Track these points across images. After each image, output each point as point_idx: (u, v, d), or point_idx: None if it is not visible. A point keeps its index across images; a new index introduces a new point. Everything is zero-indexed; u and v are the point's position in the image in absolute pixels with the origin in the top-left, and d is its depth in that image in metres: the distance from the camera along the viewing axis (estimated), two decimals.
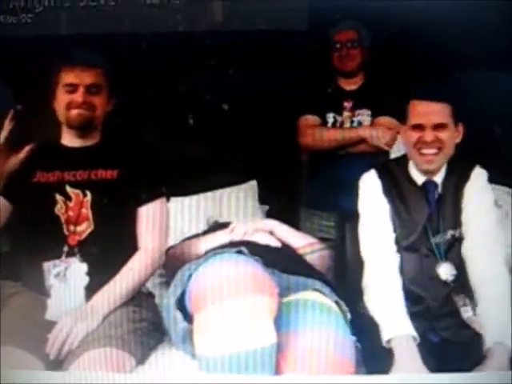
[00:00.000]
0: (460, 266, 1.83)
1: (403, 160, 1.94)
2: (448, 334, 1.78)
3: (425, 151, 1.82)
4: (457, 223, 1.86)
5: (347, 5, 2.12)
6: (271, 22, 2.28)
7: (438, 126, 1.81)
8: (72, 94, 1.83)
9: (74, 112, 1.83)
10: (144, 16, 2.14)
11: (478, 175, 1.89)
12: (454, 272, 1.83)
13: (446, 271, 1.82)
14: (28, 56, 2.15)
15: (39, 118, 2.02)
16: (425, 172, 1.87)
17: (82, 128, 1.86)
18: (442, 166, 1.87)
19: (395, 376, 1.57)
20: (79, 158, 1.86)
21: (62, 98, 1.84)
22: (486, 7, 1.92)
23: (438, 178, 1.88)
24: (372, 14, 2.10)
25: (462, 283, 1.82)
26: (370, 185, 1.91)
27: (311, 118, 2.46)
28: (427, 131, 1.80)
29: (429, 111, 1.82)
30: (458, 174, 1.88)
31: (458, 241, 1.86)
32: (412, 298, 1.78)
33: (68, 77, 1.83)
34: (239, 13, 2.22)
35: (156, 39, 2.34)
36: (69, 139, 1.89)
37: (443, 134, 1.81)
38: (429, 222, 1.86)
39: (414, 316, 1.75)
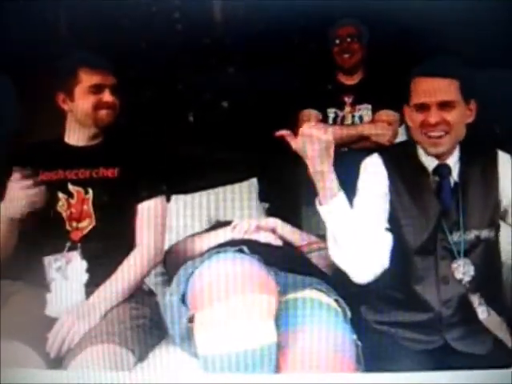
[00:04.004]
0: (480, 269, 1.67)
1: (410, 144, 1.76)
2: (462, 345, 1.66)
3: (431, 134, 1.65)
4: (484, 221, 1.68)
5: (347, 1, 2.11)
6: (270, 18, 2.29)
7: (444, 105, 1.64)
8: (98, 94, 1.85)
9: (103, 112, 1.86)
10: (142, 14, 2.14)
11: (506, 161, 1.70)
12: (471, 273, 1.66)
13: (463, 269, 1.66)
14: (32, 56, 2.16)
15: (43, 118, 2.04)
16: (433, 155, 1.69)
17: (105, 128, 1.89)
18: (452, 148, 1.70)
19: (395, 375, 1.55)
20: (82, 156, 1.88)
21: (86, 98, 1.85)
22: (487, 3, 1.91)
23: (451, 161, 1.70)
24: (372, 10, 2.09)
25: (479, 285, 1.67)
26: (372, 168, 1.76)
27: (312, 113, 2.46)
28: (432, 111, 1.63)
29: (433, 88, 1.64)
30: (478, 161, 1.70)
31: (483, 242, 1.68)
32: (421, 305, 1.68)
33: (93, 78, 1.85)
34: (238, 10, 2.22)
35: (155, 38, 2.34)
36: (74, 138, 1.91)
37: (450, 115, 1.63)
38: (444, 218, 1.68)
39: (421, 326, 1.68)
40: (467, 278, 1.67)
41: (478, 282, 1.67)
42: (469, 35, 2.17)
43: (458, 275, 1.67)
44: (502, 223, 1.74)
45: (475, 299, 1.66)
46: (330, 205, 1.63)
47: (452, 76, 1.64)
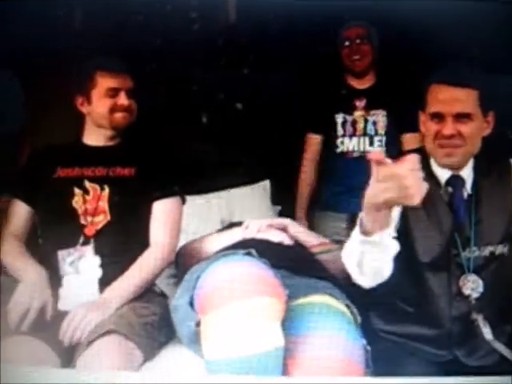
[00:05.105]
0: (491, 288, 1.60)
1: (423, 152, 1.63)
2: (472, 360, 1.62)
3: (444, 145, 1.58)
4: (499, 235, 1.61)
5: (357, 4, 2.10)
6: (285, 21, 2.28)
7: (461, 117, 1.55)
8: (114, 97, 1.88)
9: (119, 115, 1.89)
10: (157, 14, 2.14)
11: None
12: (480, 289, 1.60)
13: (472, 285, 1.59)
14: (45, 56, 2.18)
15: (61, 119, 2.07)
16: (445, 166, 1.62)
17: (122, 130, 1.92)
18: (466, 160, 1.62)
19: (404, 379, 1.54)
20: (99, 156, 1.91)
21: (103, 102, 1.89)
22: (499, 5, 1.88)
23: (464, 173, 1.63)
24: (384, 10, 2.07)
25: (487, 304, 1.61)
26: None
27: (313, 139, 2.46)
28: (447, 122, 1.55)
29: (450, 97, 1.55)
30: (492, 172, 1.64)
31: (497, 259, 1.61)
32: (431, 320, 1.63)
33: (109, 81, 1.88)
34: (253, 12, 2.22)
35: (170, 38, 2.35)
36: (92, 139, 1.95)
37: (466, 127, 1.55)
38: (458, 232, 1.61)
39: (431, 340, 1.63)
40: (475, 295, 1.60)
41: (486, 300, 1.60)
42: (481, 38, 2.14)
43: (467, 291, 1.60)
44: None
45: (480, 320, 1.59)
46: (379, 236, 1.47)
47: (472, 86, 1.56)
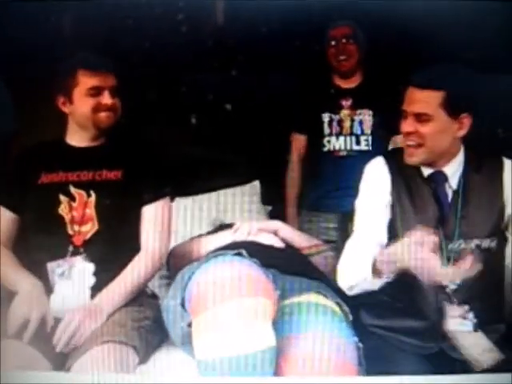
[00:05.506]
0: (477, 281, 1.57)
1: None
2: (457, 353, 1.63)
3: (408, 143, 1.65)
4: (486, 230, 1.64)
5: (343, 4, 2.11)
6: (273, 21, 2.29)
7: (420, 116, 1.61)
8: (97, 96, 1.82)
9: (103, 115, 1.83)
10: (146, 16, 2.14)
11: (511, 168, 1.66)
12: (457, 281, 1.61)
13: (449, 277, 1.58)
14: (32, 57, 2.17)
15: (44, 119, 2.04)
16: (414, 164, 1.68)
17: (107, 130, 1.87)
18: (432, 159, 1.66)
19: (397, 377, 1.56)
20: (84, 158, 1.86)
21: (85, 101, 1.83)
22: (487, 4, 1.90)
23: (448, 169, 1.68)
24: (370, 10, 2.08)
25: (470, 296, 1.64)
26: (376, 174, 1.73)
27: (299, 138, 2.48)
28: (408, 120, 1.62)
29: (413, 99, 1.62)
30: (482, 169, 1.67)
31: (484, 252, 1.63)
32: (418, 313, 1.67)
33: (91, 80, 1.82)
34: (241, 13, 2.22)
35: (159, 39, 2.35)
36: (75, 139, 1.89)
37: (426, 127, 1.60)
38: (442, 226, 1.65)
39: (417, 333, 1.66)
40: (453, 286, 1.63)
41: (470, 293, 1.64)
42: (469, 37, 2.15)
43: (445, 281, 1.62)
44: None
45: (459, 310, 1.64)
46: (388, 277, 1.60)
47: (436, 88, 1.60)
